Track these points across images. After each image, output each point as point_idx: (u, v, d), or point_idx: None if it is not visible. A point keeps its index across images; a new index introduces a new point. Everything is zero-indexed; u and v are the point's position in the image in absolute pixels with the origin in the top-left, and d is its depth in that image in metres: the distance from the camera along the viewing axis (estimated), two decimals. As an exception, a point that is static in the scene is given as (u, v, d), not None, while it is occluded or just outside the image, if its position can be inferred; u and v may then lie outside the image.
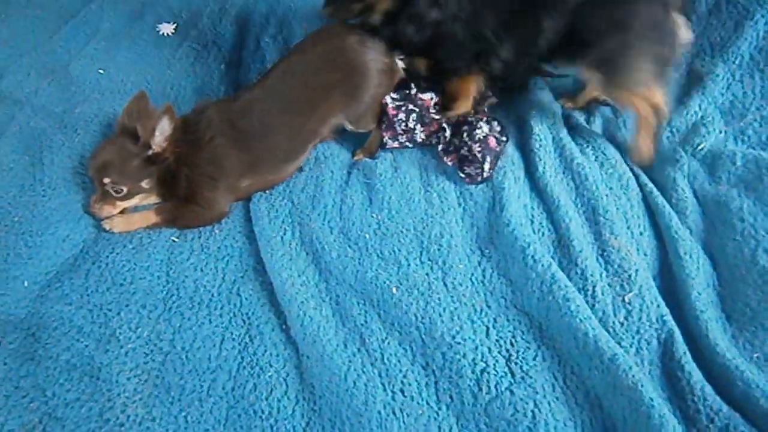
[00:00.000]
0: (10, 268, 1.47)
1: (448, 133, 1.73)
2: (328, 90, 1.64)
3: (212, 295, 1.45)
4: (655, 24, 1.56)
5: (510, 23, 1.60)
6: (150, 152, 1.55)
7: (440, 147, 1.71)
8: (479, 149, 1.62)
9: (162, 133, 1.54)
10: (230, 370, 1.34)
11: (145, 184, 1.57)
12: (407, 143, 1.74)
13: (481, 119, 1.72)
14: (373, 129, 1.77)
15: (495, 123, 1.73)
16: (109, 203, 1.58)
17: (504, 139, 1.70)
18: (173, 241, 1.55)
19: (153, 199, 1.63)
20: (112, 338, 1.37)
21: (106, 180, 1.54)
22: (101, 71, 1.99)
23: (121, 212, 1.61)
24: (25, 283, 1.47)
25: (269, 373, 1.33)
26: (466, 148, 1.65)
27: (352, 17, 1.68)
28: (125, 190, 1.55)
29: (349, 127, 1.73)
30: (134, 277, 1.47)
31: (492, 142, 1.65)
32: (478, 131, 1.67)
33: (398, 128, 1.72)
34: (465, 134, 1.68)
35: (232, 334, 1.39)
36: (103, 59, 2.03)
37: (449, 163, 1.67)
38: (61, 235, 1.55)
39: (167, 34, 2.18)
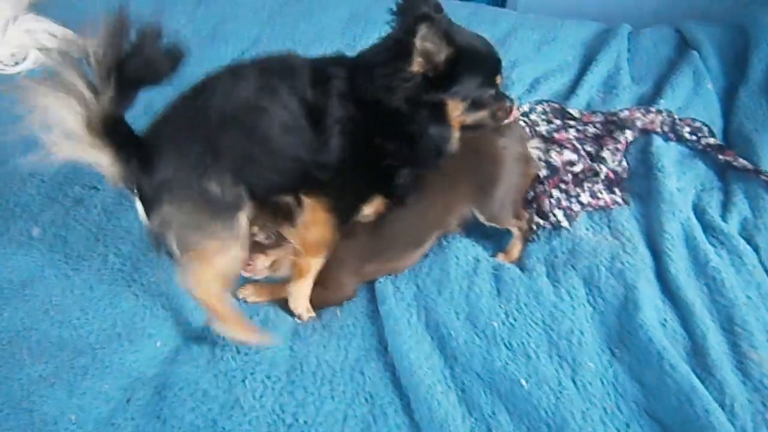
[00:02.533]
0: (147, 327, 1.53)
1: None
2: (455, 178, 1.57)
3: (335, 372, 1.44)
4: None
5: None
6: None
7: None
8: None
9: None
10: (353, 448, 1.31)
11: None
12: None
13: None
14: (513, 227, 1.70)
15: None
16: (262, 252, 1.57)
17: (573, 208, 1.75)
18: (298, 316, 1.58)
19: (284, 269, 1.63)
20: (236, 405, 1.38)
21: (255, 230, 1.53)
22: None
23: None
24: (158, 343, 1.51)
25: (393, 456, 1.30)
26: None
27: None
28: (274, 237, 1.55)
29: (483, 221, 1.66)
30: (259, 348, 1.49)
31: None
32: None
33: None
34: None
35: (354, 412, 1.37)
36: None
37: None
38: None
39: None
